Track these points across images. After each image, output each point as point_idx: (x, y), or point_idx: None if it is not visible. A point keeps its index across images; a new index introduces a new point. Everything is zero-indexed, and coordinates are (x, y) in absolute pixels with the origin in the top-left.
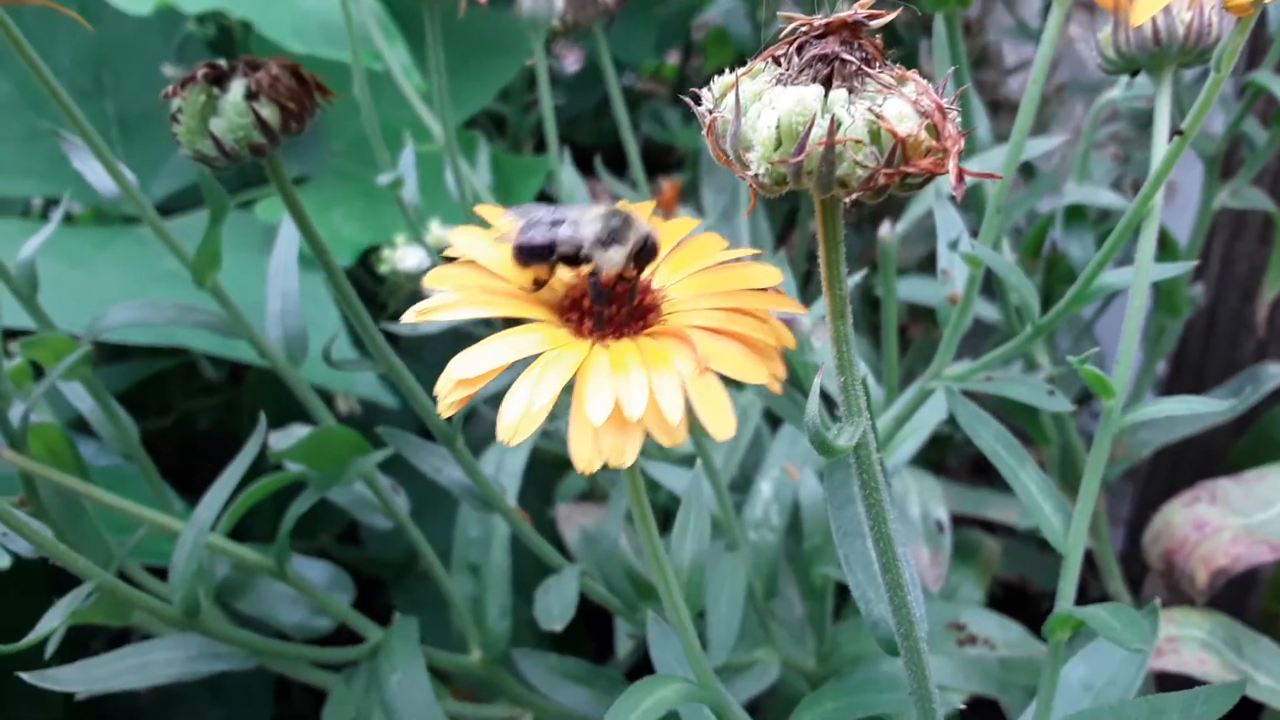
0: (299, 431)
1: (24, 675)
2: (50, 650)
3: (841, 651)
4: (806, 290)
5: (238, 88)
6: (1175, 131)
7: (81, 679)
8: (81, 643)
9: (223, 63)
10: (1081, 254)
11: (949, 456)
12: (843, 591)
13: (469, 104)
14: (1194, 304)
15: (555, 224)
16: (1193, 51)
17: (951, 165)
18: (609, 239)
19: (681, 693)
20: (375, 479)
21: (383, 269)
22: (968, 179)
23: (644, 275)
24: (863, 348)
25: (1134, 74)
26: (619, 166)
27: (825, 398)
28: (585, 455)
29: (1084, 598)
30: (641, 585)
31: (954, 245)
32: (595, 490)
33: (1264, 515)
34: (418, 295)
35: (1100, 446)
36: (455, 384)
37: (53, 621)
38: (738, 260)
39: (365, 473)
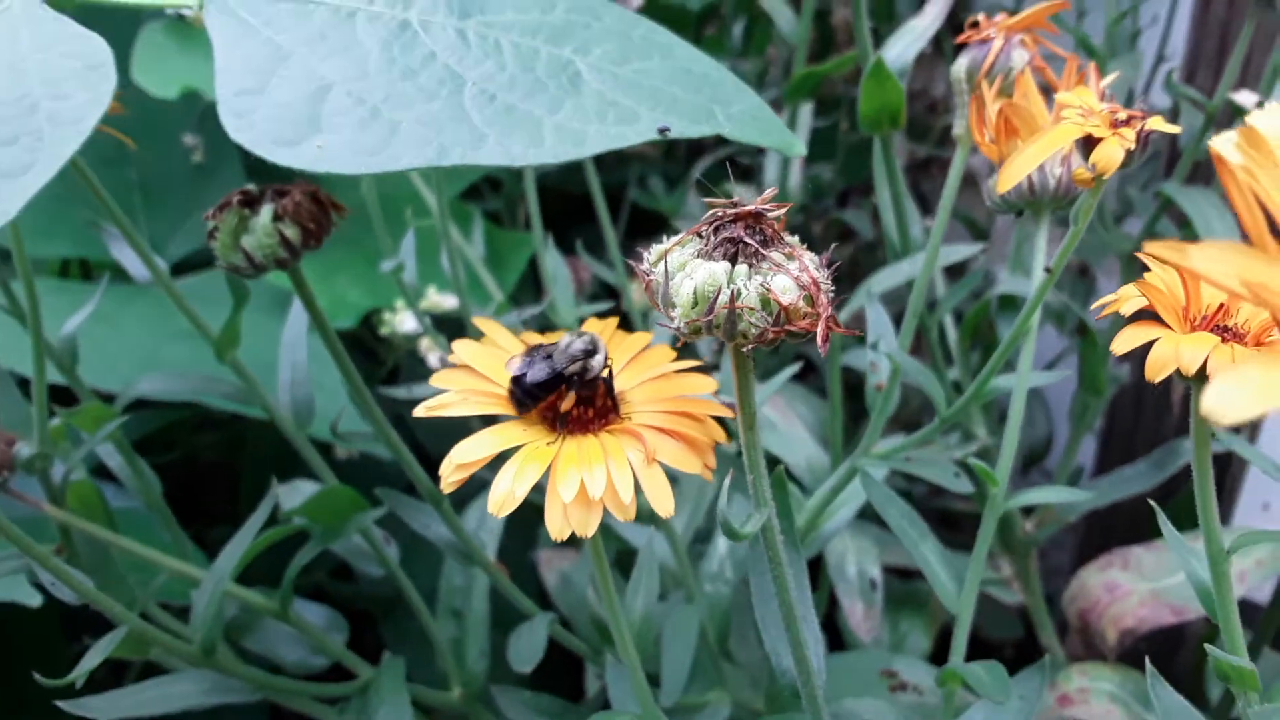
0: (304, 488)
1: (62, 704)
2: (80, 683)
3: (786, 694)
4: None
5: (266, 211)
6: (1046, 269)
7: (110, 708)
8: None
9: (253, 188)
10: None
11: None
12: None
13: (468, 174)
14: (1119, 381)
15: (548, 358)
16: (1063, 200)
17: (820, 327)
18: (591, 352)
19: None
20: (371, 532)
21: (384, 331)
22: (843, 330)
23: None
24: (825, 410)
25: (1018, 214)
26: (617, 219)
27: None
28: (557, 526)
29: (1031, 645)
30: (605, 632)
31: (875, 346)
32: (574, 538)
33: (1170, 581)
34: (414, 354)
35: (986, 525)
36: (455, 467)
37: (94, 660)
38: (681, 370)
39: (362, 527)
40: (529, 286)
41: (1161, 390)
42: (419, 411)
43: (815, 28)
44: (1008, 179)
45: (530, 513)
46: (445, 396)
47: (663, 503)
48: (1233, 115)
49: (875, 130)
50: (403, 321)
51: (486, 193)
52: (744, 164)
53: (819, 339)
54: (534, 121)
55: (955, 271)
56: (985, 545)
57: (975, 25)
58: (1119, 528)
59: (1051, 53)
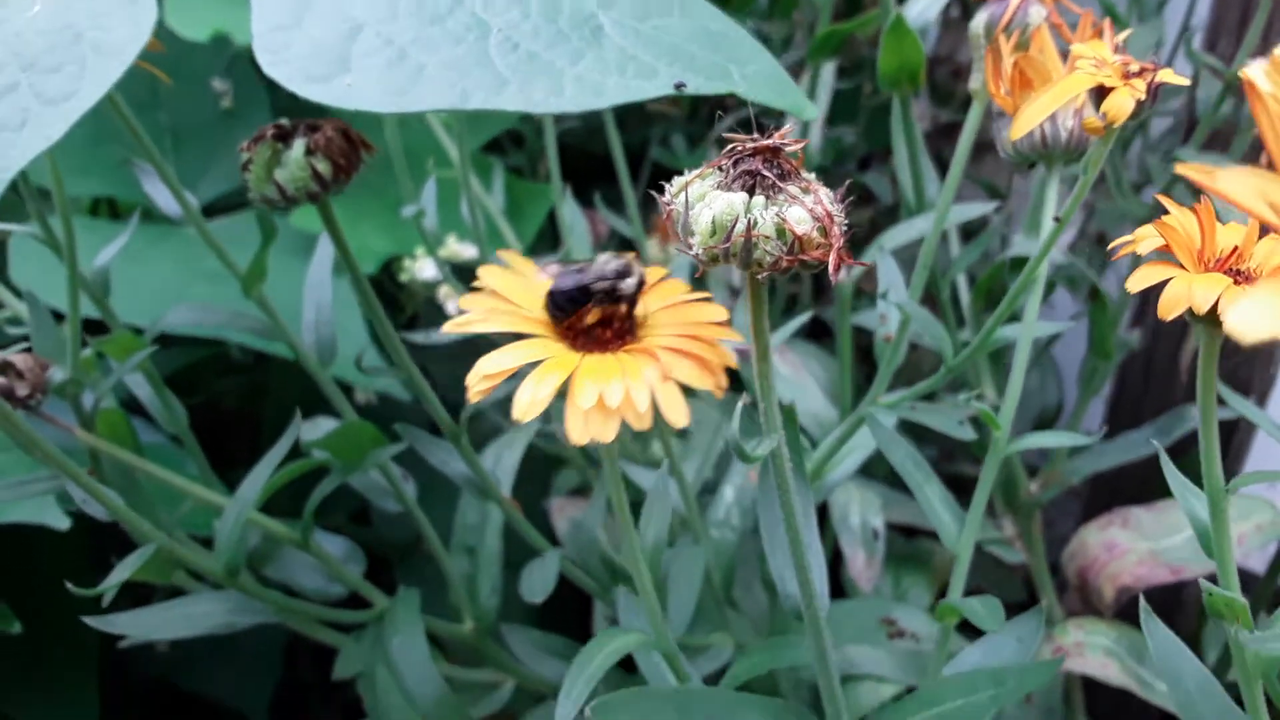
0: (325, 424)
1: (89, 620)
2: (106, 601)
3: (772, 642)
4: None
5: (299, 145)
6: (1055, 219)
7: (136, 625)
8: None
9: (286, 123)
10: (1026, 301)
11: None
12: None
13: (490, 127)
14: (1130, 347)
15: (580, 272)
16: (1075, 152)
17: (833, 257)
18: (624, 273)
19: (640, 640)
20: (389, 468)
21: (403, 278)
22: (855, 261)
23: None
24: (836, 369)
25: (1030, 166)
26: (637, 177)
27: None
28: (577, 430)
29: (1031, 605)
30: (614, 570)
31: (884, 295)
32: (585, 486)
33: (1169, 541)
34: (433, 301)
35: (989, 466)
36: (482, 377)
37: (123, 574)
38: (697, 300)
39: (381, 463)
40: (547, 239)
41: (1170, 357)
42: (447, 328)
43: None
44: (1021, 126)
45: (543, 465)
46: (472, 314)
47: (677, 415)
48: (1238, 98)
49: (894, 88)
50: (422, 269)
51: (509, 147)
52: (765, 125)
53: (830, 268)
54: (555, 71)
55: (972, 236)
56: (988, 487)
57: None
58: (1124, 493)
59: (1069, 12)
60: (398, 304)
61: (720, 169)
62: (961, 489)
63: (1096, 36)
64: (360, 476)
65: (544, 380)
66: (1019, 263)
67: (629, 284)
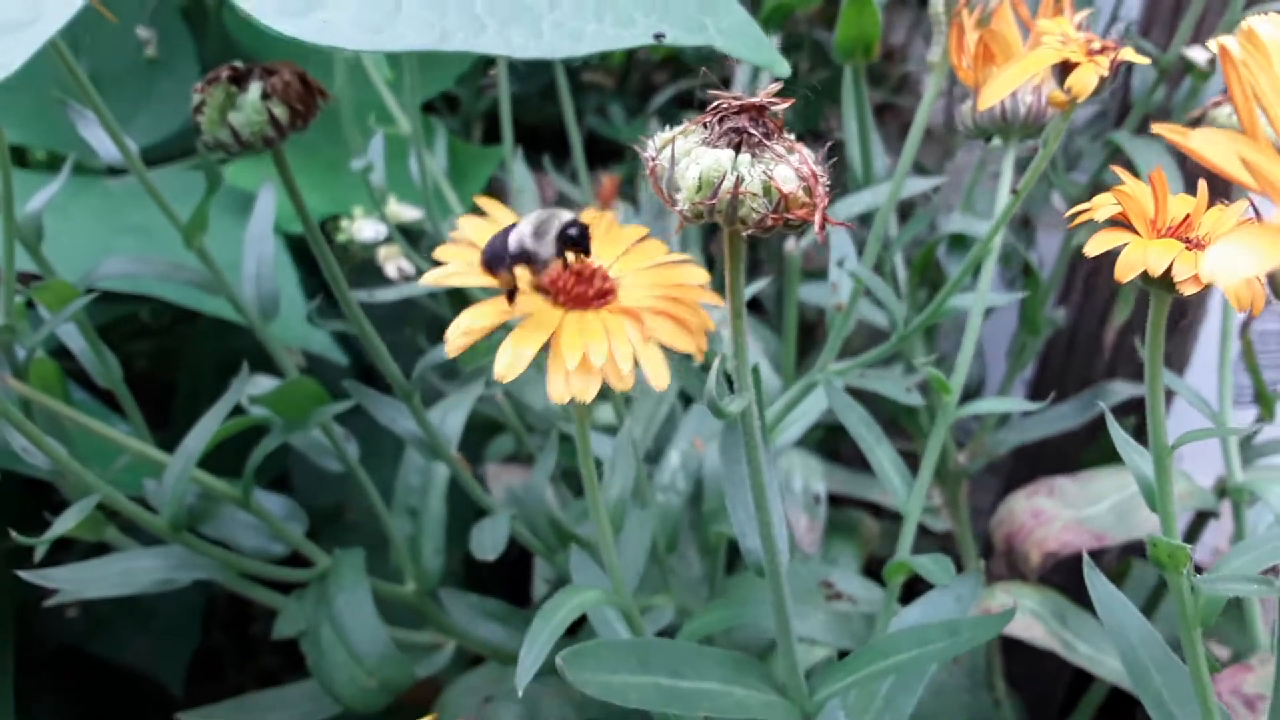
0: (265, 382)
1: (23, 574)
2: (40, 555)
3: (728, 598)
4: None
5: (255, 89)
6: (1013, 190)
7: (73, 580)
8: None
9: (241, 65)
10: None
11: (843, 445)
12: (733, 550)
13: (429, 87)
14: (1055, 324)
15: (505, 232)
16: (1033, 127)
17: (817, 216)
18: (539, 232)
19: (599, 598)
20: (331, 428)
21: (340, 238)
22: (838, 222)
23: (603, 265)
24: (775, 342)
25: (988, 139)
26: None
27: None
28: (559, 390)
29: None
30: (563, 532)
31: (840, 264)
32: (520, 453)
33: (1092, 510)
34: (371, 263)
35: (938, 429)
36: (462, 332)
37: (65, 525)
38: (678, 262)
39: (323, 421)
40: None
41: (1093, 334)
42: (426, 279)
43: None
44: (988, 97)
45: (479, 432)
46: (451, 266)
47: (660, 376)
48: (1185, 70)
49: (848, 59)
50: (360, 229)
51: (444, 111)
52: (701, 99)
53: (816, 227)
54: (534, 15)
55: (905, 215)
56: (936, 450)
57: None
58: (1044, 465)
59: None
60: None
61: (705, 126)
62: (907, 462)
63: (1058, 14)
64: (301, 436)
65: (527, 338)
66: (957, 240)
67: (563, 227)
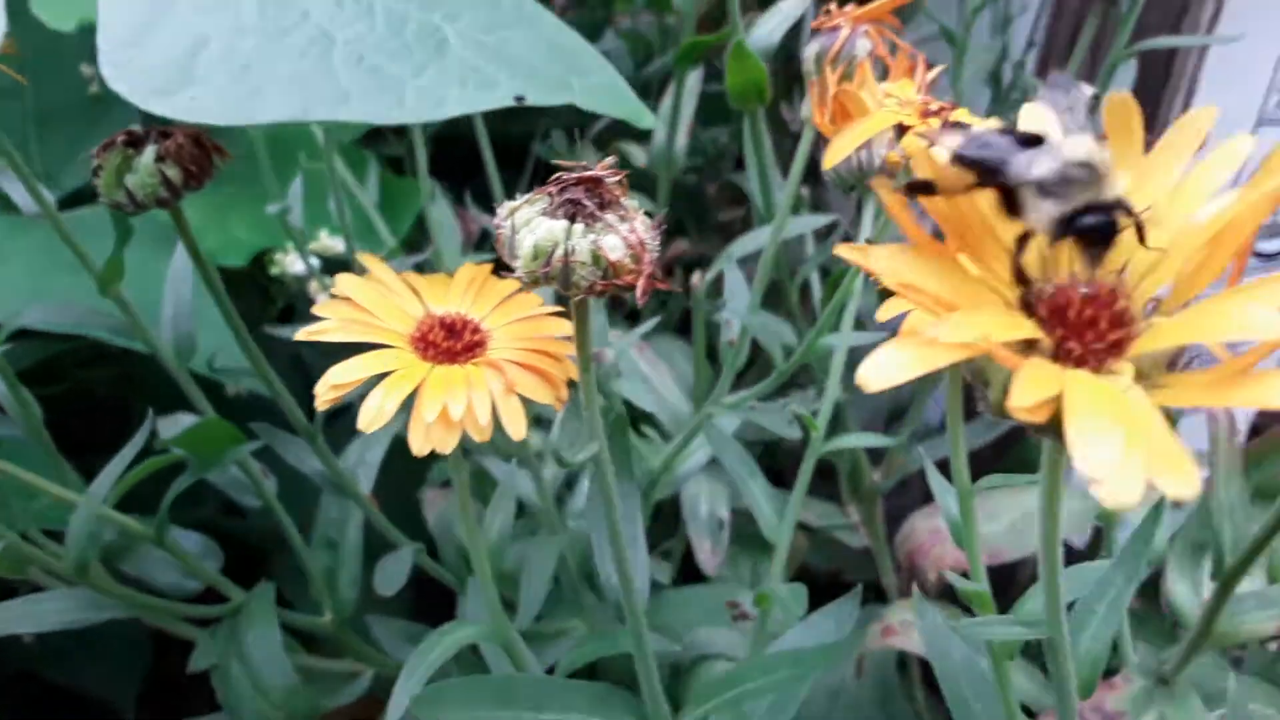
0: (185, 419)
1: None
2: None
3: (653, 620)
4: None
5: (150, 152)
6: (868, 240)
7: None
8: None
9: (138, 129)
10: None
11: (780, 461)
12: None
13: (356, 127)
14: None
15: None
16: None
17: (641, 282)
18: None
19: (479, 633)
20: (249, 465)
21: (274, 271)
22: (663, 285)
23: (475, 319)
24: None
25: (850, 189)
26: (518, 163)
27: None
28: (418, 442)
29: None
30: (469, 561)
31: (726, 304)
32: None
33: (989, 528)
34: (304, 294)
35: (807, 464)
36: (330, 386)
37: None
38: (547, 314)
39: (240, 459)
40: (426, 232)
41: None
42: (300, 335)
43: None
44: (831, 157)
45: (419, 461)
46: (325, 323)
47: (516, 427)
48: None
49: (743, 104)
50: (293, 262)
51: (390, 137)
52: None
53: (639, 292)
54: (398, 83)
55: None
56: (805, 483)
57: (828, 13)
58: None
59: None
60: (270, 296)
61: (548, 196)
62: (825, 475)
63: (909, 73)
64: (221, 473)
65: (391, 391)
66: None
67: None
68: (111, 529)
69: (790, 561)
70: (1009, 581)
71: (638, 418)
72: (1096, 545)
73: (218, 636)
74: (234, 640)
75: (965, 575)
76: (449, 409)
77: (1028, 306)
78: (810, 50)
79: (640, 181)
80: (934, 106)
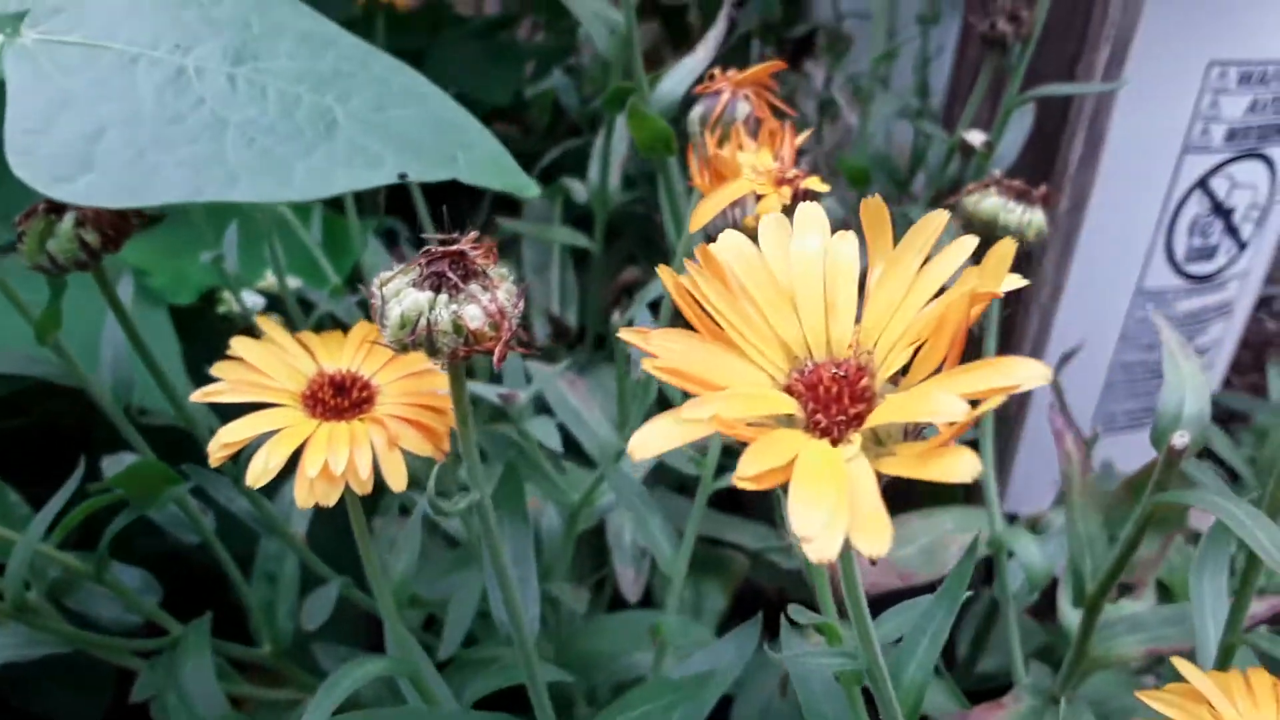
0: (127, 459)
1: None
2: None
3: (573, 650)
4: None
5: (69, 218)
6: None
7: None
8: None
9: None
10: None
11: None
12: (595, 596)
13: None
14: None
15: None
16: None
17: (498, 349)
18: None
19: (388, 666)
20: (186, 503)
21: (221, 309)
22: (523, 350)
23: (364, 375)
24: None
25: None
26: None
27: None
28: (302, 495)
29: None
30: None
31: (630, 349)
32: (408, 507)
33: (902, 551)
34: (251, 330)
35: (699, 500)
36: (221, 445)
37: None
38: (430, 370)
39: (178, 497)
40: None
41: None
42: (194, 397)
43: (666, 27)
44: (696, 221)
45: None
46: (218, 385)
47: (397, 480)
48: (967, 151)
49: (651, 155)
50: (240, 301)
51: None
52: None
53: (495, 359)
54: (287, 165)
55: None
56: (698, 517)
57: (712, 78)
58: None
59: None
60: (220, 332)
61: (417, 267)
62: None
63: (775, 139)
64: (160, 510)
65: (276, 449)
66: None
67: None
68: (55, 565)
69: (733, 581)
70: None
71: (570, 449)
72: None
73: (157, 668)
74: (171, 672)
75: (883, 598)
76: (330, 464)
77: (790, 385)
78: (694, 113)
79: (584, 213)
80: (790, 174)
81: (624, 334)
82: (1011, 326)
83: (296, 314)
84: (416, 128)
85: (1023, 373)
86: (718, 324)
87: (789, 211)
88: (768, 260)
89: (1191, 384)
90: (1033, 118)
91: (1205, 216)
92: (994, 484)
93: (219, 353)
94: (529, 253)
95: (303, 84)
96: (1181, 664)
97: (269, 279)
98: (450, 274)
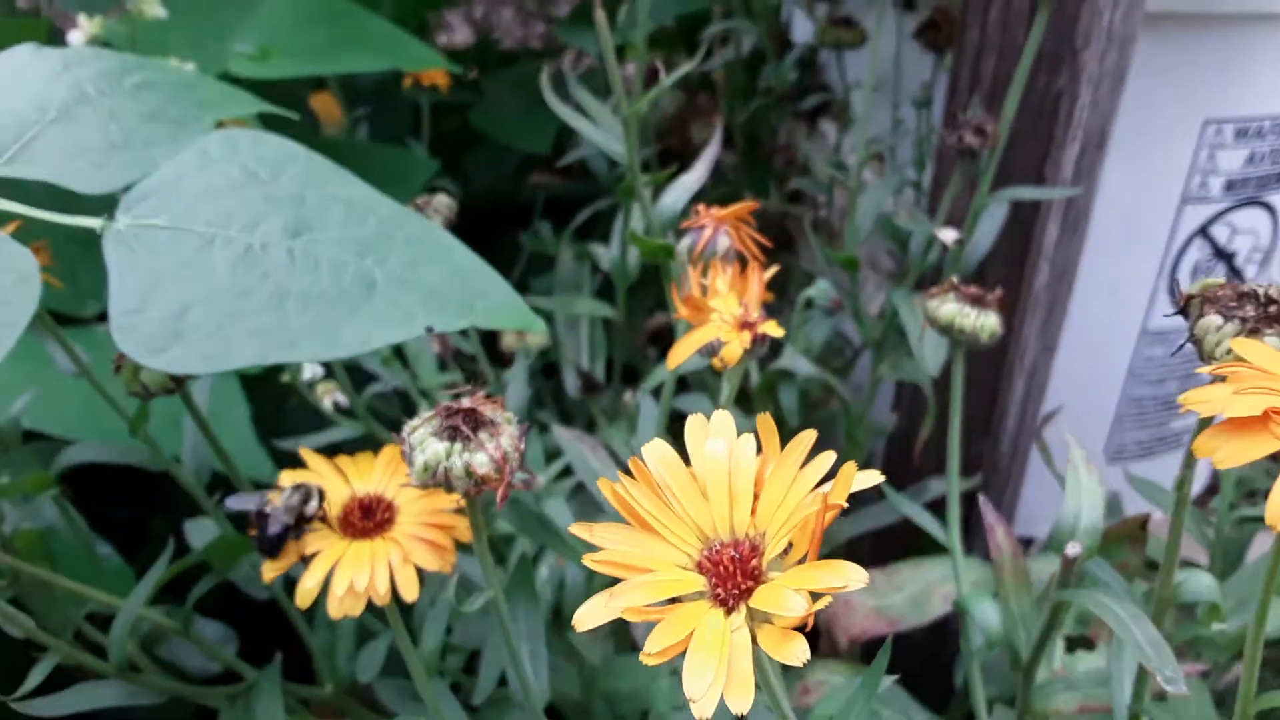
0: (208, 527)
1: (16, 705)
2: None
3: (596, 689)
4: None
5: None
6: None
7: (52, 707)
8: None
9: None
10: (789, 402)
11: None
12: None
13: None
14: (884, 432)
15: (266, 515)
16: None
17: (500, 489)
18: (305, 499)
19: None
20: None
21: (285, 379)
22: (524, 485)
23: (385, 495)
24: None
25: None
26: (511, 257)
27: None
28: (334, 609)
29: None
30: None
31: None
32: None
33: (892, 599)
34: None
35: None
36: (269, 567)
37: (36, 680)
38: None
39: (250, 561)
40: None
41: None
42: (266, 575)
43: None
44: (672, 361)
45: None
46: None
47: (409, 592)
48: (944, 247)
49: (654, 260)
50: (302, 371)
51: None
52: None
53: (498, 499)
54: (335, 327)
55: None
56: None
57: (697, 213)
58: (895, 549)
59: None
60: (283, 396)
61: (437, 418)
62: None
63: (743, 280)
64: (235, 571)
65: (315, 572)
66: (785, 374)
67: (311, 505)
68: (146, 622)
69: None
70: (942, 637)
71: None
72: None
73: (236, 708)
74: (247, 713)
75: (873, 643)
76: (354, 583)
77: (700, 563)
78: (684, 244)
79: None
80: (752, 318)
81: (574, 528)
82: (995, 392)
83: (346, 381)
84: (443, 281)
85: (850, 575)
86: (645, 520)
87: (751, 351)
88: (688, 458)
89: (1089, 499)
90: (1005, 210)
91: (1207, 261)
92: (960, 553)
93: (283, 412)
94: (560, 313)
95: (349, 250)
96: None
97: None
98: (463, 426)
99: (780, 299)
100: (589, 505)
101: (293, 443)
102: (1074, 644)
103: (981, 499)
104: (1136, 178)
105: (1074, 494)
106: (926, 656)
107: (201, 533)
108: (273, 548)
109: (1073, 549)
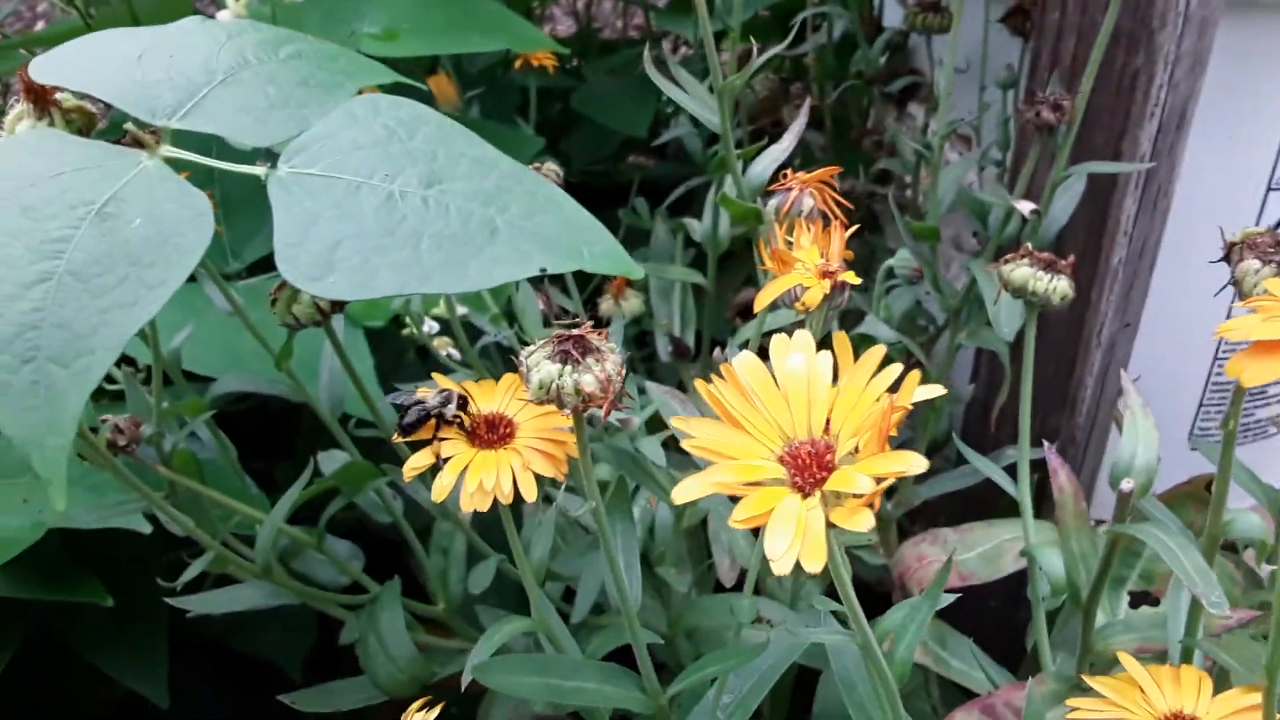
0: (339, 456)
1: (171, 600)
2: (179, 585)
3: (680, 624)
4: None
5: None
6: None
7: (203, 604)
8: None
9: None
10: None
11: None
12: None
13: None
14: (962, 400)
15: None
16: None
17: (605, 406)
18: (445, 402)
19: (530, 625)
20: (382, 491)
21: (405, 331)
22: (624, 407)
23: (508, 413)
24: None
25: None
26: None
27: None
28: (465, 503)
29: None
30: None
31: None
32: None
33: (964, 555)
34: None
35: None
36: (411, 468)
37: (193, 573)
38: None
39: (377, 488)
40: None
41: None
42: (406, 473)
43: (790, 67)
44: (759, 304)
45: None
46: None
47: (529, 494)
48: (1022, 220)
49: (744, 221)
50: (423, 324)
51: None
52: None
53: (602, 414)
54: (463, 264)
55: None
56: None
57: (785, 176)
58: (974, 510)
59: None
60: (401, 352)
61: (550, 343)
62: None
63: (826, 237)
64: (362, 497)
65: (449, 472)
66: (866, 338)
67: (449, 409)
68: (285, 537)
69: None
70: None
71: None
72: None
73: (360, 618)
74: (371, 621)
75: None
76: (483, 482)
77: (782, 457)
78: (771, 205)
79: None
80: (833, 268)
81: (675, 421)
82: (1072, 366)
83: (461, 335)
84: (554, 229)
85: (911, 462)
86: (734, 417)
87: (830, 296)
88: (771, 370)
89: (1145, 439)
90: (1083, 184)
91: None
92: (1029, 507)
93: (402, 365)
94: (654, 281)
95: (474, 201)
96: (1125, 657)
97: (442, 307)
98: (573, 351)
99: (866, 279)
100: (679, 456)
101: (409, 387)
102: (1138, 601)
103: (1047, 445)
104: (1223, 163)
105: (1130, 435)
106: (1000, 621)
107: (333, 462)
108: (406, 431)
109: (1127, 484)
